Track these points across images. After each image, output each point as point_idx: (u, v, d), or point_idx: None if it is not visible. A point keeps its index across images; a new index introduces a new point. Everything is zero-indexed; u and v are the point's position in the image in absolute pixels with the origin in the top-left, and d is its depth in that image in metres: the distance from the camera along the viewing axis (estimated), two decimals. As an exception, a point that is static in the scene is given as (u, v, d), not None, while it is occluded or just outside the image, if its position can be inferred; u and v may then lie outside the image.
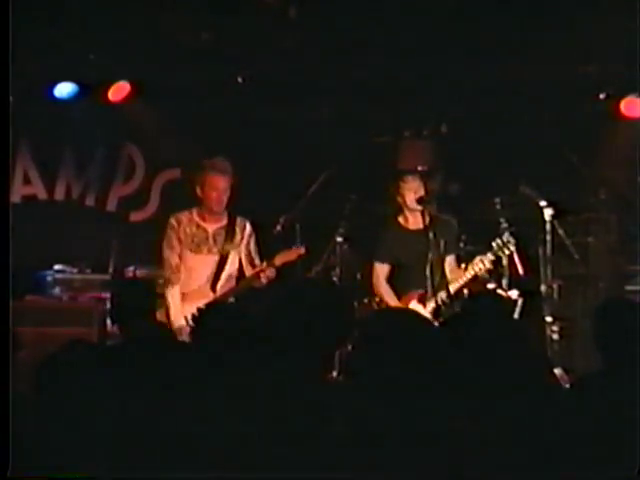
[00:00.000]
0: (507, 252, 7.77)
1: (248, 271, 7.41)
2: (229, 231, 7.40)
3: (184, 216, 7.36)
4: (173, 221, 7.34)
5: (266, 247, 9.18)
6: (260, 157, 9.77)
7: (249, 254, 7.48)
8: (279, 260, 7.23)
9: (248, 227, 7.50)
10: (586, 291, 9.29)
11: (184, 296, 7.23)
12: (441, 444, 3.08)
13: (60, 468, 3.39)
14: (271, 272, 7.21)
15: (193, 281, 7.31)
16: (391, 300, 7.74)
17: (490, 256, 7.67)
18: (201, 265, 7.33)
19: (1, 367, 4.01)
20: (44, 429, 3.59)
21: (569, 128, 9.40)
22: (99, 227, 10.08)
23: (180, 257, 7.29)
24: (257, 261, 7.43)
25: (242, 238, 7.45)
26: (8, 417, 3.62)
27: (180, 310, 7.15)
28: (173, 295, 7.20)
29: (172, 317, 7.14)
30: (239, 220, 7.48)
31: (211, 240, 7.34)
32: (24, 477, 3.43)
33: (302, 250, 7.31)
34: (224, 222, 7.41)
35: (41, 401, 3.73)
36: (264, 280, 7.21)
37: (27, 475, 3.42)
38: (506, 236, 7.75)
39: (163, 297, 7.12)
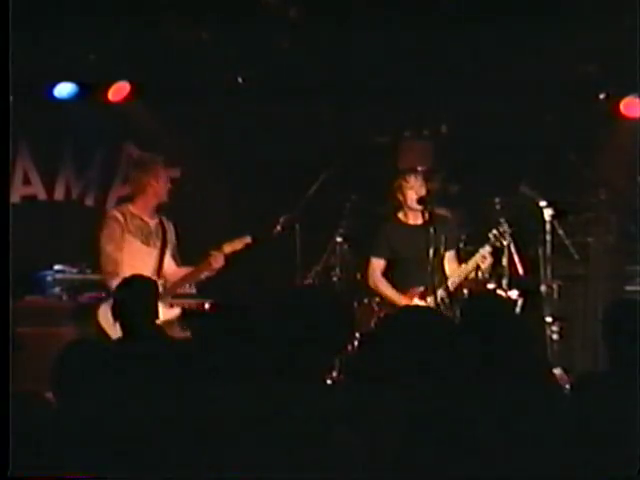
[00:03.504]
0: (505, 242, 7.80)
1: (171, 268, 7.55)
2: (163, 227, 7.56)
3: (126, 210, 7.48)
4: (118, 214, 7.43)
5: (266, 246, 9.22)
6: (260, 157, 9.77)
7: (174, 253, 7.62)
8: (227, 248, 7.40)
9: (172, 227, 7.67)
10: (586, 291, 9.29)
11: None
12: (441, 444, 3.07)
13: (60, 468, 3.40)
14: (220, 260, 7.37)
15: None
16: (391, 294, 7.74)
17: (488, 248, 7.69)
18: (148, 258, 7.43)
19: (1, 367, 4.01)
20: (44, 429, 3.59)
21: (569, 128, 9.40)
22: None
23: (121, 250, 7.33)
24: (178, 261, 7.61)
25: (171, 236, 7.61)
26: (8, 417, 3.62)
27: None
28: None
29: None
30: (165, 219, 7.65)
31: (154, 234, 7.48)
32: (24, 477, 3.43)
33: (248, 239, 7.46)
34: (157, 219, 7.57)
35: (41, 401, 3.73)
36: (215, 266, 7.38)
37: (27, 475, 3.42)
38: (503, 226, 7.77)
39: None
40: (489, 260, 7.73)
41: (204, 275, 7.57)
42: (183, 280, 7.55)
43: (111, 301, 6.93)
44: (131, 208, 7.50)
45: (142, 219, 7.47)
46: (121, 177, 10.36)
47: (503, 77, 9.27)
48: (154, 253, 7.45)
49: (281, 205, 8.73)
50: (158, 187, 7.51)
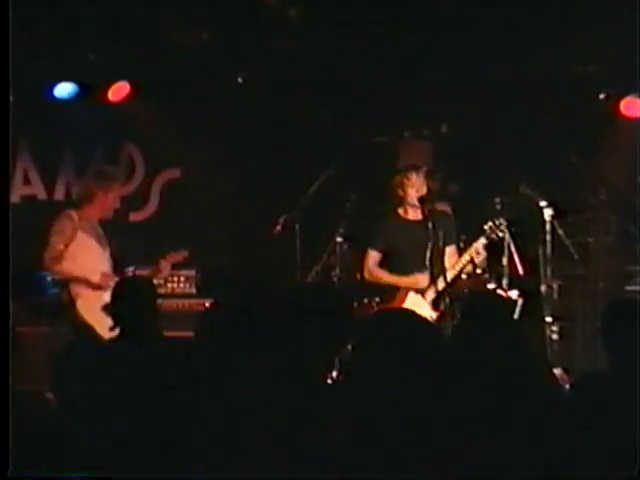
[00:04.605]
0: (501, 235, 7.78)
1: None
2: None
3: (82, 213, 7.66)
4: (75, 215, 7.63)
5: (266, 247, 9.22)
6: (260, 157, 9.76)
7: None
8: (170, 259, 7.81)
9: None
10: (586, 291, 9.28)
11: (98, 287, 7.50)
12: (441, 444, 3.07)
13: (60, 468, 3.40)
14: (168, 269, 7.83)
15: (104, 270, 7.61)
16: (389, 278, 7.75)
17: (483, 240, 7.69)
18: (102, 258, 7.64)
19: (1, 367, 4.01)
20: (44, 429, 3.59)
21: (569, 128, 9.40)
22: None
23: (67, 246, 7.50)
24: None
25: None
26: (8, 417, 3.62)
27: (99, 301, 7.34)
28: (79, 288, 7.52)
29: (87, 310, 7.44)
30: None
31: (104, 238, 7.71)
32: (24, 477, 3.43)
33: (186, 254, 7.92)
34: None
35: (41, 401, 3.73)
36: (164, 273, 7.85)
37: (27, 475, 3.42)
38: (499, 219, 7.76)
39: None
40: (483, 254, 7.72)
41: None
42: None
43: (89, 294, 7.43)
44: (83, 212, 7.69)
45: (93, 223, 7.69)
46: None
47: (503, 77, 9.27)
48: (107, 255, 7.68)
49: (281, 205, 8.73)
50: (105, 202, 7.68)
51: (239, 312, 4.34)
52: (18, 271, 5.21)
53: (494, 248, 7.92)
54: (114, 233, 9.76)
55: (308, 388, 3.32)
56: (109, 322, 6.83)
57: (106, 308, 7.26)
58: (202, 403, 3.43)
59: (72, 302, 7.54)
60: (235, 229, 10.13)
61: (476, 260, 7.68)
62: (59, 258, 7.52)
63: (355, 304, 7.85)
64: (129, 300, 5.70)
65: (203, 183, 10.17)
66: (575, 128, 9.37)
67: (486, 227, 7.73)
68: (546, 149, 9.40)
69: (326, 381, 3.66)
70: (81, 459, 3.44)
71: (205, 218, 10.08)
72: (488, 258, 7.92)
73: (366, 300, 8.01)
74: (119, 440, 3.49)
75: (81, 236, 7.58)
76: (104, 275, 7.53)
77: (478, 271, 7.83)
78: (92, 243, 7.63)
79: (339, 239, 8.44)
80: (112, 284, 7.33)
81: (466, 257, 7.67)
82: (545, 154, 9.38)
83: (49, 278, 9.40)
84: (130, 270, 9.06)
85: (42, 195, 10.33)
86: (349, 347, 3.43)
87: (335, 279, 8.39)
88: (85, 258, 7.55)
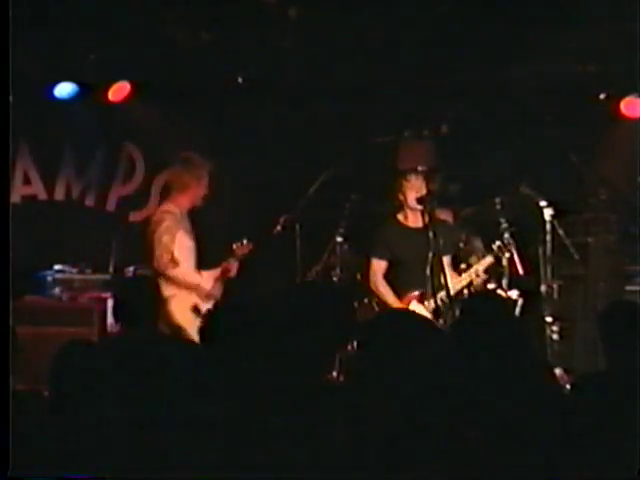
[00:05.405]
0: (507, 255, 7.84)
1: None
2: None
3: (175, 207, 7.59)
4: (174, 209, 7.55)
5: (266, 247, 9.22)
6: (260, 157, 9.76)
7: None
8: (239, 251, 7.80)
9: None
10: (586, 291, 9.28)
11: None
12: (441, 444, 3.07)
13: (60, 468, 3.40)
14: (235, 267, 7.82)
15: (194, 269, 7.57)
16: (389, 298, 7.75)
17: (490, 259, 7.72)
18: (194, 254, 7.59)
19: (1, 367, 4.01)
20: (44, 429, 3.59)
21: (569, 128, 9.40)
22: (99, 227, 10.06)
23: (174, 243, 7.43)
24: None
25: None
26: (8, 417, 3.62)
27: (189, 301, 7.33)
28: (179, 282, 7.43)
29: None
30: None
31: (191, 230, 7.64)
32: (24, 477, 3.43)
33: (251, 245, 7.86)
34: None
35: (41, 401, 3.73)
36: (233, 272, 7.83)
37: (27, 475, 3.42)
38: (506, 238, 7.79)
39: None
40: (482, 277, 7.76)
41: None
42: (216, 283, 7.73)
43: (183, 295, 7.38)
44: (176, 203, 7.61)
45: (184, 217, 7.61)
46: (121, 177, 10.37)
47: (503, 77, 9.27)
48: (194, 249, 7.61)
49: (281, 205, 8.73)
50: (198, 190, 7.65)
51: (239, 312, 4.34)
52: (18, 271, 5.21)
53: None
54: (114, 233, 9.80)
55: (308, 388, 3.32)
56: (197, 323, 6.73)
57: (195, 309, 7.20)
58: (202, 403, 3.43)
59: (164, 303, 7.13)
60: (235, 229, 10.12)
61: (474, 283, 7.72)
62: (175, 260, 7.41)
63: (355, 304, 7.86)
64: (133, 299, 5.69)
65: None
66: (575, 128, 9.38)
67: (494, 247, 7.76)
68: (546, 149, 9.40)
69: (326, 381, 3.66)
70: (81, 459, 3.44)
71: (205, 218, 10.07)
72: (487, 279, 7.95)
73: (366, 300, 8.01)
74: (119, 440, 3.50)
75: (181, 233, 7.51)
76: (199, 275, 7.52)
77: (472, 290, 7.85)
78: (187, 240, 7.55)
79: (339, 239, 8.45)
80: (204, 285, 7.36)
81: (465, 279, 7.70)
82: (545, 154, 9.38)
83: (49, 278, 9.42)
84: (130, 270, 9.07)
85: (42, 195, 10.32)
86: (350, 347, 3.43)
87: (335, 279, 8.40)
88: (185, 258, 7.47)
